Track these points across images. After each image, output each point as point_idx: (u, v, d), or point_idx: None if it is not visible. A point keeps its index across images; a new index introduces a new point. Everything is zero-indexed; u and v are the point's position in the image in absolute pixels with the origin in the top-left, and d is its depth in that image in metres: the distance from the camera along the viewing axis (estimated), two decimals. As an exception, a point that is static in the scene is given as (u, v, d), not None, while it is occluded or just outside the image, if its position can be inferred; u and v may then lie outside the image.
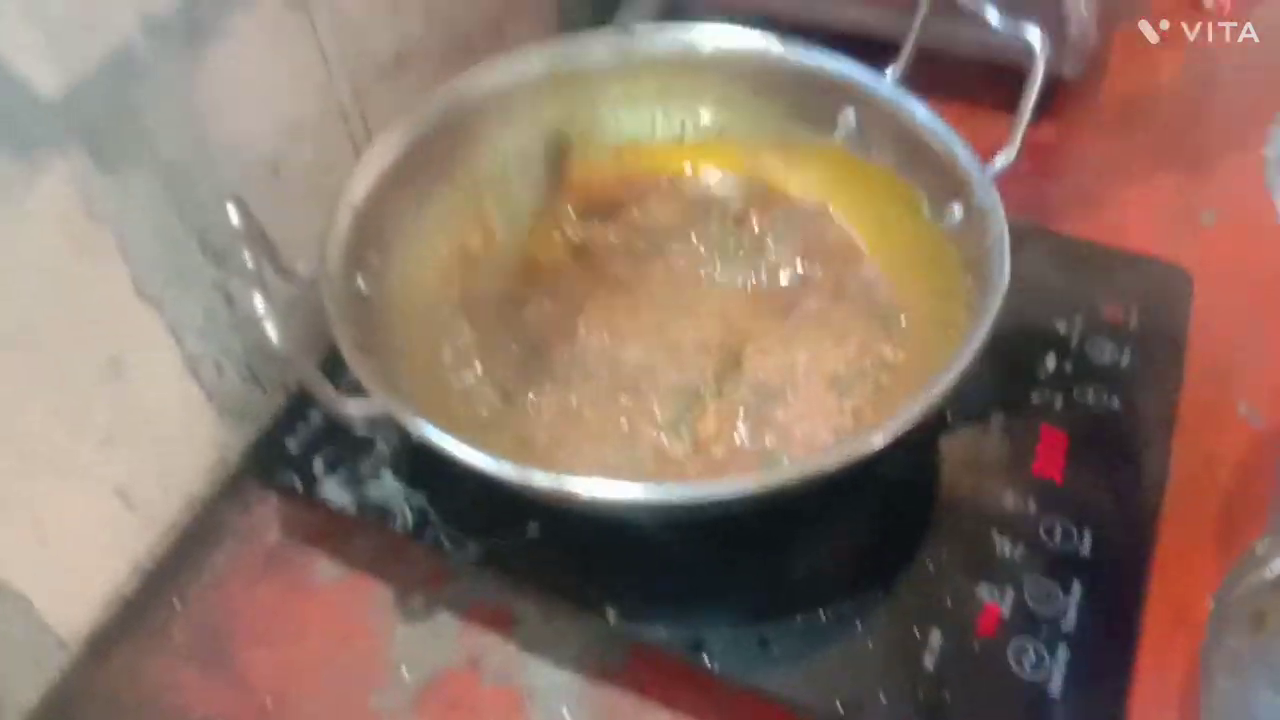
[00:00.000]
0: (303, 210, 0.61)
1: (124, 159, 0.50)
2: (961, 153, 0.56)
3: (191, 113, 0.53)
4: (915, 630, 0.49)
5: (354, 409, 0.46)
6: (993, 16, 0.55)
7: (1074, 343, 0.61)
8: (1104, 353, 0.61)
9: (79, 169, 0.48)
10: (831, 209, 0.66)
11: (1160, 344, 0.61)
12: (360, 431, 0.48)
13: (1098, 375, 0.60)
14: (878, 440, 0.43)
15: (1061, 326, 0.62)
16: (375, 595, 0.58)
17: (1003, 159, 0.55)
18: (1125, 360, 0.60)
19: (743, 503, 0.44)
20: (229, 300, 0.59)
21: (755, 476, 0.45)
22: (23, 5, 0.43)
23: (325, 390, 0.45)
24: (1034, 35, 0.54)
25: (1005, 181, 0.56)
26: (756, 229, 0.66)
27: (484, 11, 0.76)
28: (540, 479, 0.44)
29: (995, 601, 0.50)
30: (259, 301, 0.43)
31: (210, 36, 0.53)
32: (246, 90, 0.57)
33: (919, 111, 0.59)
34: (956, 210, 0.56)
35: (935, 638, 0.49)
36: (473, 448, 0.45)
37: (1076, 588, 0.51)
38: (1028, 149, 0.58)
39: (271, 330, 0.43)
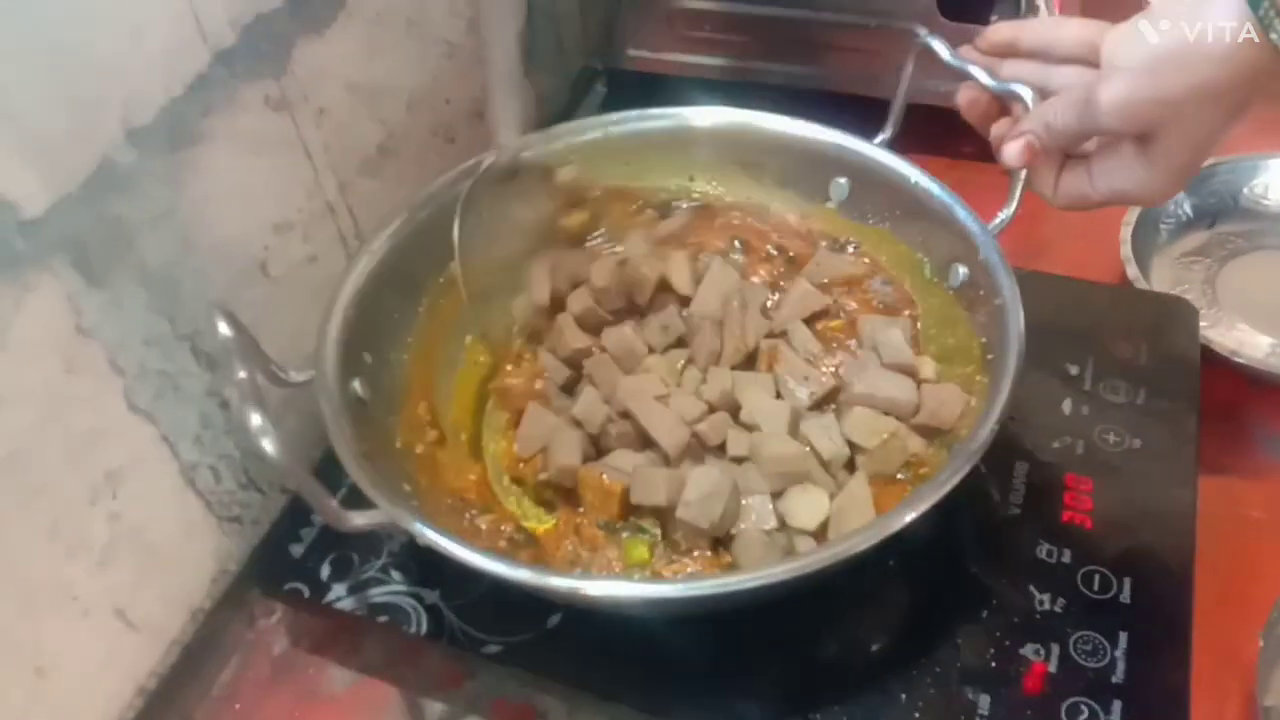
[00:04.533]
0: (294, 307, 0.61)
1: (112, 270, 0.49)
2: (961, 213, 0.56)
3: (178, 218, 0.52)
4: (963, 696, 0.47)
5: (359, 520, 0.45)
6: (982, 76, 0.55)
7: (1088, 384, 0.60)
8: (1119, 392, 0.60)
9: (67, 285, 0.47)
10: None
11: (1173, 378, 0.61)
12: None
13: (1115, 416, 0.59)
14: (909, 516, 0.42)
15: (1074, 369, 0.61)
16: (390, 700, 0.56)
17: (1003, 215, 0.55)
18: (1141, 398, 0.59)
19: (768, 591, 0.42)
20: (224, 405, 0.57)
21: (778, 567, 0.43)
22: (2, 119, 0.43)
23: (327, 503, 0.44)
24: (1025, 91, 0.54)
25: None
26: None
27: (464, 100, 0.76)
28: (558, 583, 0.43)
29: (1041, 659, 0.48)
30: (255, 417, 0.42)
31: (193, 141, 0.53)
32: (232, 192, 0.56)
33: (913, 175, 0.59)
34: (960, 271, 0.56)
35: (984, 702, 0.47)
36: (485, 555, 0.43)
37: (1123, 638, 0.49)
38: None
39: (269, 445, 0.41)
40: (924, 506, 0.42)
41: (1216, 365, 0.63)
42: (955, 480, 0.43)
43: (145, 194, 0.51)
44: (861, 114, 0.65)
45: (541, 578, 0.43)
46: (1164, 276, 0.73)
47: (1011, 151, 0.51)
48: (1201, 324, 0.64)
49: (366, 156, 0.66)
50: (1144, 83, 0.45)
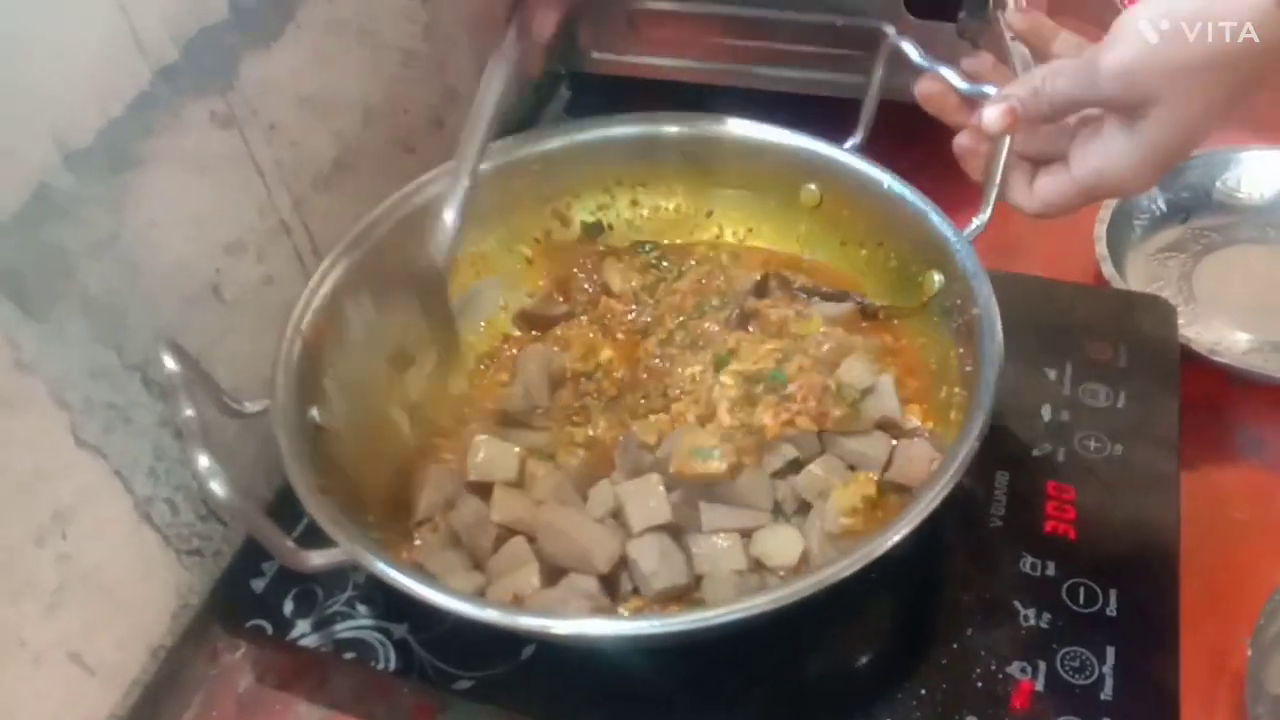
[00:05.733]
0: (250, 330, 0.58)
1: (51, 302, 0.47)
2: (936, 219, 0.55)
3: (122, 244, 0.50)
4: (949, 719, 0.46)
5: (318, 561, 0.43)
6: (954, 79, 0.53)
7: (1067, 389, 0.59)
8: (1099, 396, 0.59)
9: (2, 318, 0.45)
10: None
11: (1153, 380, 0.60)
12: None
13: (1096, 421, 0.58)
14: (891, 540, 0.41)
15: (1052, 373, 0.60)
16: (362, 737, 0.54)
17: (978, 221, 0.54)
18: (1121, 401, 0.58)
19: (745, 624, 0.41)
20: (178, 435, 0.55)
21: (756, 599, 0.41)
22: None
23: (283, 545, 0.42)
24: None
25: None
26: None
27: (422, 108, 0.74)
28: (527, 623, 0.42)
29: (1028, 678, 0.47)
30: (202, 459, 0.40)
31: (135, 163, 0.50)
32: (179, 214, 0.54)
33: (885, 180, 0.58)
34: (936, 279, 0.55)
35: (970, 724, 0.46)
36: (453, 596, 0.42)
37: (1110, 653, 0.48)
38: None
39: (218, 488, 0.39)
40: (906, 529, 0.41)
41: (1195, 363, 0.62)
42: (938, 500, 0.42)
43: (85, 220, 0.48)
44: (829, 116, 0.64)
45: (510, 617, 0.41)
46: (1139, 274, 0.72)
47: (992, 115, 0.49)
48: (1179, 321, 0.63)
49: (321, 171, 0.64)
50: (1149, 49, 0.43)
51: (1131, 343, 0.61)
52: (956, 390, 0.51)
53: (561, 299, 0.66)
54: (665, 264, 0.66)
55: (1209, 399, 0.63)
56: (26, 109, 0.45)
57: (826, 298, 0.60)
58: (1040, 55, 0.55)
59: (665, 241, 0.67)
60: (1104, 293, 0.66)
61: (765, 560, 0.49)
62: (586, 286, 0.65)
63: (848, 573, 0.40)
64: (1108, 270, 0.68)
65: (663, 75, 0.81)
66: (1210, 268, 0.72)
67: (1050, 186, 0.50)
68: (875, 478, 0.50)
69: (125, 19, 0.48)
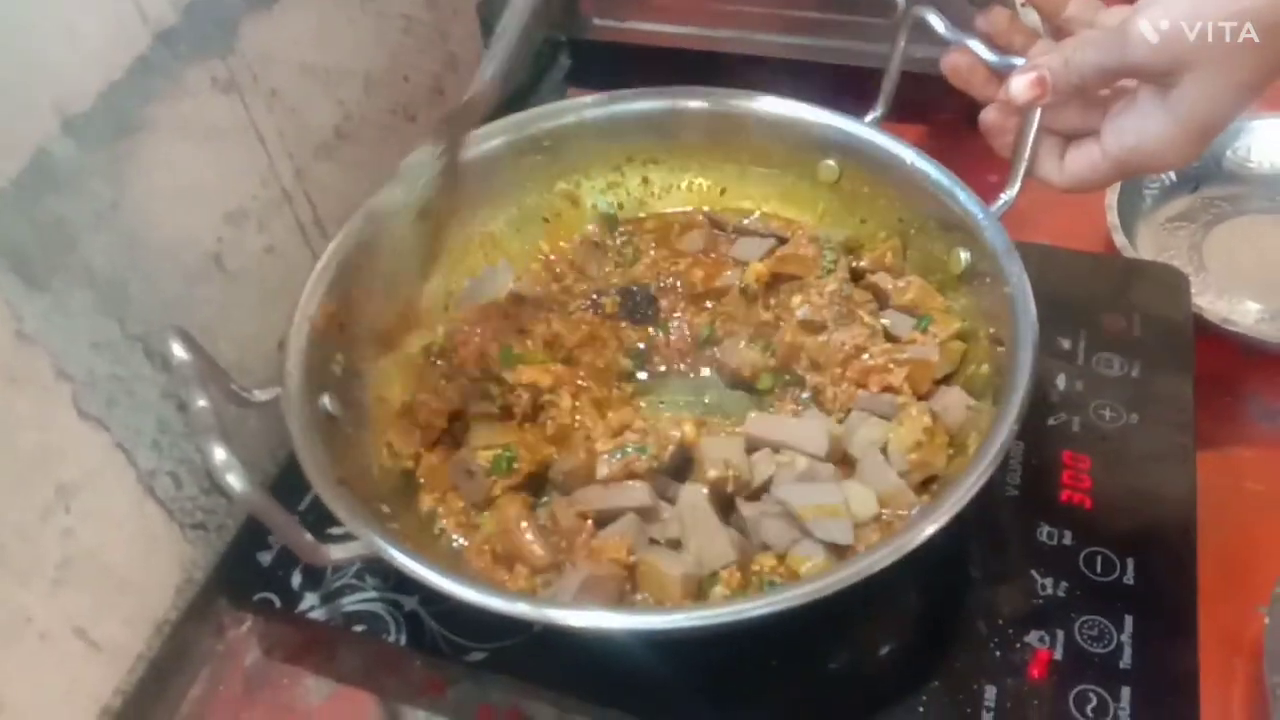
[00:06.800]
0: (252, 301, 0.57)
1: (53, 272, 0.46)
2: (962, 195, 0.53)
3: (123, 213, 0.49)
4: (968, 688, 0.46)
5: (339, 554, 0.42)
6: (981, 50, 0.52)
7: (1081, 359, 0.59)
8: (1113, 366, 0.58)
9: (4, 289, 0.44)
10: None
11: (1167, 349, 0.59)
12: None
13: (1110, 391, 0.57)
14: (928, 529, 0.41)
15: (1066, 343, 0.59)
16: (370, 711, 0.53)
17: (1005, 197, 0.52)
18: (1135, 371, 0.58)
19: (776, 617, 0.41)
20: (182, 407, 0.54)
21: (789, 592, 0.41)
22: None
23: (303, 540, 0.41)
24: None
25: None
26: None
27: (423, 75, 0.73)
28: (556, 616, 0.41)
29: (1046, 647, 0.47)
30: (218, 452, 0.39)
31: (135, 128, 0.49)
32: (180, 181, 0.53)
33: (909, 156, 0.56)
34: (963, 256, 0.54)
35: (990, 693, 0.46)
36: (479, 590, 0.41)
37: (1128, 622, 0.48)
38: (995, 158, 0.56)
39: (235, 481, 0.39)
40: (944, 519, 0.41)
41: (1208, 333, 0.62)
42: (976, 488, 0.41)
43: (86, 188, 0.47)
44: (847, 86, 0.62)
45: (540, 611, 0.40)
46: (1149, 243, 0.71)
47: (1020, 85, 0.48)
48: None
49: (323, 139, 0.63)
50: (1183, 11, 0.42)
51: (1145, 312, 0.61)
52: (984, 368, 0.51)
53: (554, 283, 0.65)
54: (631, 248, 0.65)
55: (1221, 370, 0.62)
56: (23, 71, 0.43)
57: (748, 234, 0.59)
58: (1052, 24, 0.54)
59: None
60: (1117, 262, 0.65)
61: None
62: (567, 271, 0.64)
63: (881, 566, 0.40)
64: (1119, 240, 0.67)
65: (667, 43, 0.79)
66: (1220, 237, 0.72)
67: (1082, 161, 0.49)
68: (924, 410, 0.50)
69: (123, -21, 0.47)
